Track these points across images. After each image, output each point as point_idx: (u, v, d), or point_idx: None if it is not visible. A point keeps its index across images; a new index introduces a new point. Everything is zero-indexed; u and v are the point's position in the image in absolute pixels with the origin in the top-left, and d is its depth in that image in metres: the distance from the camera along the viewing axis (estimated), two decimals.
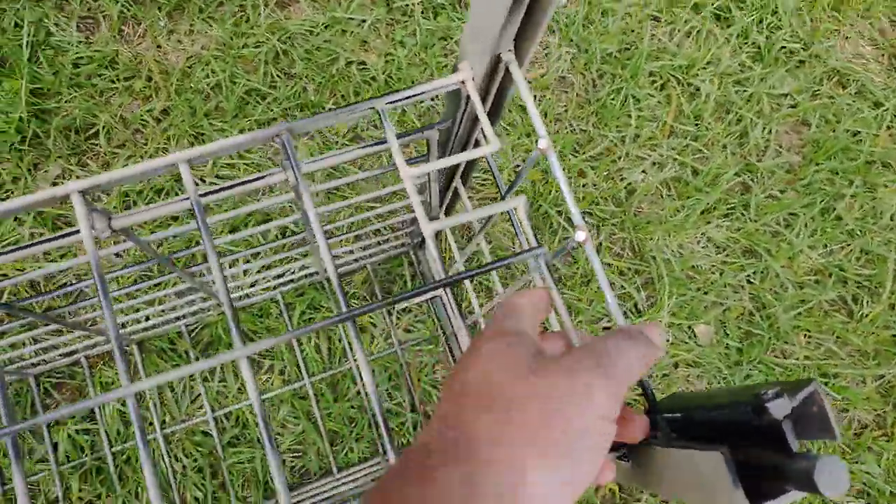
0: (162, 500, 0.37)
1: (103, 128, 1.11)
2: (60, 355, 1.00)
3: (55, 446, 1.00)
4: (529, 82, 1.25)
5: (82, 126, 1.11)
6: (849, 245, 1.27)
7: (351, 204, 0.63)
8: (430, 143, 0.56)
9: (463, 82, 0.48)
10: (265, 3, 1.21)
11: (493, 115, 0.54)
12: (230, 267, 0.77)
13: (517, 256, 0.43)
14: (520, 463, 0.30)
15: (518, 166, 1.18)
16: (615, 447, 0.41)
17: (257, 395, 0.40)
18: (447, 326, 1.08)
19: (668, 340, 1.16)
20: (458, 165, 0.70)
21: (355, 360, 1.07)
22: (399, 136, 0.55)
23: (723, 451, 0.30)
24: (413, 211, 0.89)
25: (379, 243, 1.09)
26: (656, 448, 0.38)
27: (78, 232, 0.46)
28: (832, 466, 0.27)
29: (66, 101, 1.11)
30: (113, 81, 1.14)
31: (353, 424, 1.06)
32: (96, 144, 1.11)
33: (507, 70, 0.46)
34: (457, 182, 0.74)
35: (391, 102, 0.46)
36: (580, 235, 0.42)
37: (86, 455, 1.00)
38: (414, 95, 0.47)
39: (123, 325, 1.02)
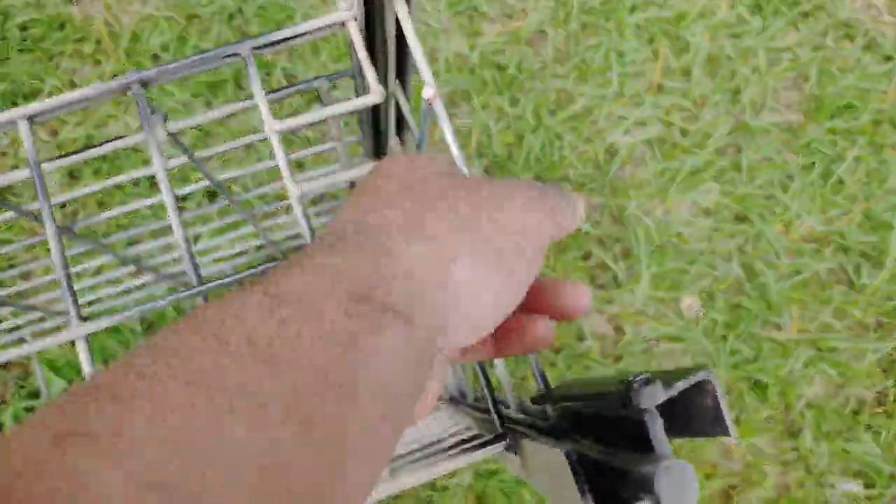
0: None
1: (50, 93, 1.06)
2: (5, 330, 0.97)
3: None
4: (505, 35, 1.17)
5: (29, 91, 1.06)
6: (851, 211, 1.18)
7: (232, 178, 0.58)
8: (322, 95, 0.50)
9: (343, 24, 0.41)
10: None
11: (402, 68, 0.48)
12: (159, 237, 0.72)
13: None
14: (444, 257, 0.24)
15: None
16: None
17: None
18: None
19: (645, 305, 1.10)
20: (388, 121, 0.64)
21: None
22: (287, 87, 0.49)
23: (567, 450, 0.26)
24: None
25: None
26: (527, 440, 0.33)
27: None
28: (678, 473, 0.22)
29: (13, 66, 1.07)
30: (62, 44, 1.09)
31: None
32: None
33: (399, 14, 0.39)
34: (392, 140, 0.68)
35: (258, 48, 0.40)
36: (428, 91, 0.35)
37: None
38: (285, 39, 0.40)
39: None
